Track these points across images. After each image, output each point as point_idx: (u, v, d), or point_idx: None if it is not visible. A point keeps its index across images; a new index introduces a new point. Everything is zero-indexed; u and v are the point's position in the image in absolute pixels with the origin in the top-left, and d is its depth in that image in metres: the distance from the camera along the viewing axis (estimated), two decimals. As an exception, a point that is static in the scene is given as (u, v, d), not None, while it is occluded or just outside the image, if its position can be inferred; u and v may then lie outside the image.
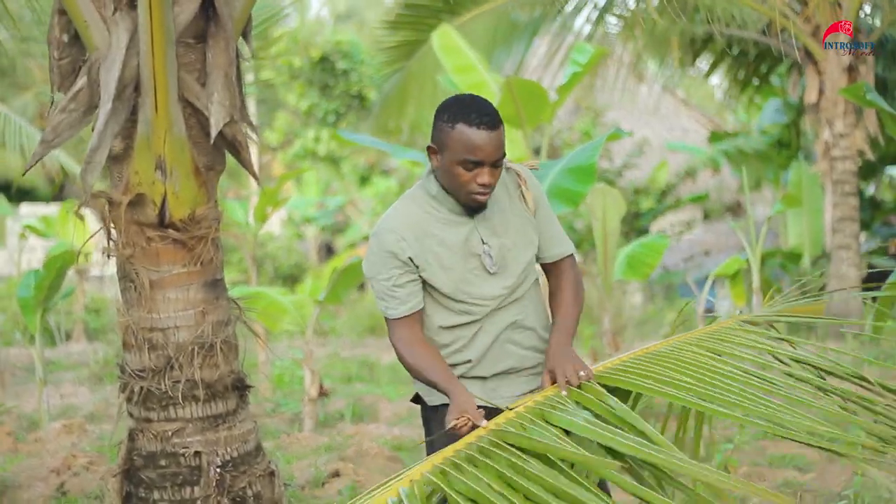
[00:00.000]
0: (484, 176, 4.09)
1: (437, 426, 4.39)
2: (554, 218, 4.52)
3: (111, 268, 25.26)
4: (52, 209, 27.51)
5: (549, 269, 4.53)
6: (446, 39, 11.66)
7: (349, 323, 25.23)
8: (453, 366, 4.34)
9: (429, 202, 4.27)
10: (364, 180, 31.18)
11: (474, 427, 3.82)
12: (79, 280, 21.93)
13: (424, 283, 4.28)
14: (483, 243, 4.28)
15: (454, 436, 3.96)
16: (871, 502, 6.28)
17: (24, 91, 25.31)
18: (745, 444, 8.48)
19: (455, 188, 4.16)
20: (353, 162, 30.83)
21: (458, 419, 3.88)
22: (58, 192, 28.63)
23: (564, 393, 3.95)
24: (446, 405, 4.11)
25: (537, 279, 4.51)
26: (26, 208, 31.16)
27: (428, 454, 4.37)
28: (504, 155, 4.15)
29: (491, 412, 3.98)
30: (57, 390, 13.63)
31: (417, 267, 4.22)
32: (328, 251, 32.61)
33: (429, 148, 4.22)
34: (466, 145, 4.04)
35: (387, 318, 4.25)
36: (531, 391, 4.35)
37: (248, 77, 17.73)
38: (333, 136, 8.90)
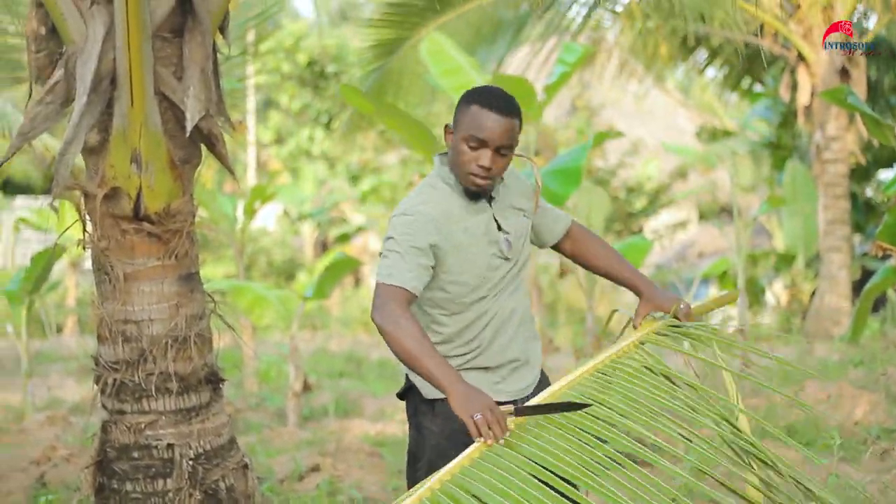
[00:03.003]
0: (485, 158, 4.15)
1: (433, 422, 4.36)
2: (545, 202, 4.64)
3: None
4: (44, 202, 27.47)
5: (564, 242, 4.67)
6: (435, 45, 11.66)
7: (342, 319, 25.27)
8: (455, 356, 4.34)
9: (449, 190, 4.31)
10: (356, 179, 31.22)
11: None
12: (72, 272, 21.97)
13: (434, 278, 4.26)
14: (500, 230, 4.33)
15: (453, 436, 4.07)
16: (845, 503, 6.29)
17: (18, 84, 25.21)
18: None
19: (457, 166, 4.23)
20: (346, 161, 30.88)
21: (486, 419, 3.70)
22: (50, 185, 28.55)
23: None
24: (445, 399, 3.94)
25: (525, 279, 4.57)
26: (21, 201, 31.14)
27: (421, 453, 4.36)
28: (512, 146, 4.21)
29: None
30: (44, 382, 13.66)
31: (436, 257, 4.21)
32: (324, 247, 32.64)
33: (445, 127, 4.31)
34: (475, 123, 4.15)
35: (378, 284, 4.12)
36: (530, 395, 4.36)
37: (248, 70, 17.77)
38: (342, 88, 8.89)
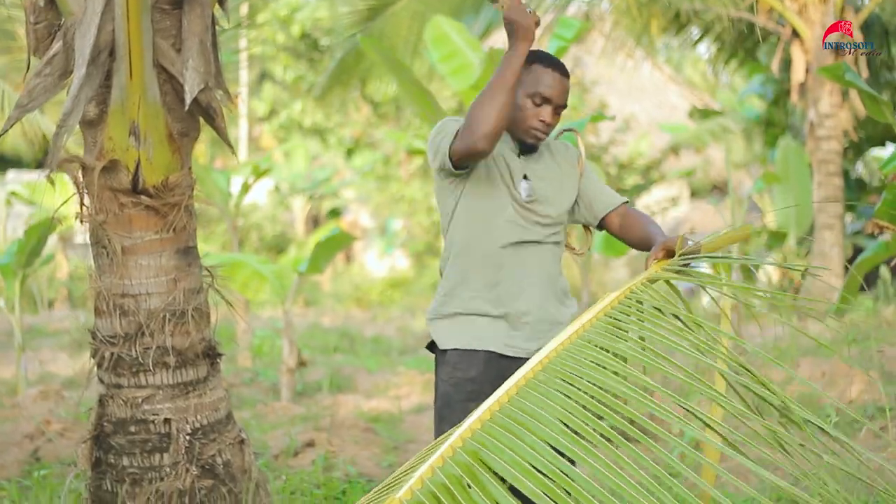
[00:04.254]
0: (546, 114, 4.42)
1: (443, 370, 4.46)
2: (600, 179, 4.72)
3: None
4: (37, 175, 27.30)
5: (614, 219, 4.68)
6: (437, 30, 11.55)
7: (333, 295, 25.24)
8: (468, 297, 4.46)
9: None
10: (350, 152, 31.14)
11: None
12: (63, 247, 21.93)
13: (462, 196, 4.48)
14: (525, 178, 4.50)
15: (459, 385, 4.28)
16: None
17: (5, 55, 25.12)
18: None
19: (519, 121, 4.44)
20: (338, 135, 30.79)
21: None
22: (42, 159, 28.48)
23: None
24: (456, 350, 4.41)
25: (560, 247, 4.63)
26: (12, 175, 31.03)
27: (435, 403, 4.42)
28: (565, 107, 4.49)
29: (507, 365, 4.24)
30: (36, 357, 13.63)
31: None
32: (315, 222, 32.59)
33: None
34: (539, 80, 4.42)
35: (454, 141, 4.32)
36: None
37: (241, 44, 17.70)
38: (362, 40, 8.78)
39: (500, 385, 4.00)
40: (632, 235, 4.64)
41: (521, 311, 4.43)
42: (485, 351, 4.38)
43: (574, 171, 4.65)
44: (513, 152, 4.50)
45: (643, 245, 4.57)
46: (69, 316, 18.42)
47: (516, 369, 4.06)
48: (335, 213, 31.66)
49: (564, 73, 4.47)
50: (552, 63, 4.47)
